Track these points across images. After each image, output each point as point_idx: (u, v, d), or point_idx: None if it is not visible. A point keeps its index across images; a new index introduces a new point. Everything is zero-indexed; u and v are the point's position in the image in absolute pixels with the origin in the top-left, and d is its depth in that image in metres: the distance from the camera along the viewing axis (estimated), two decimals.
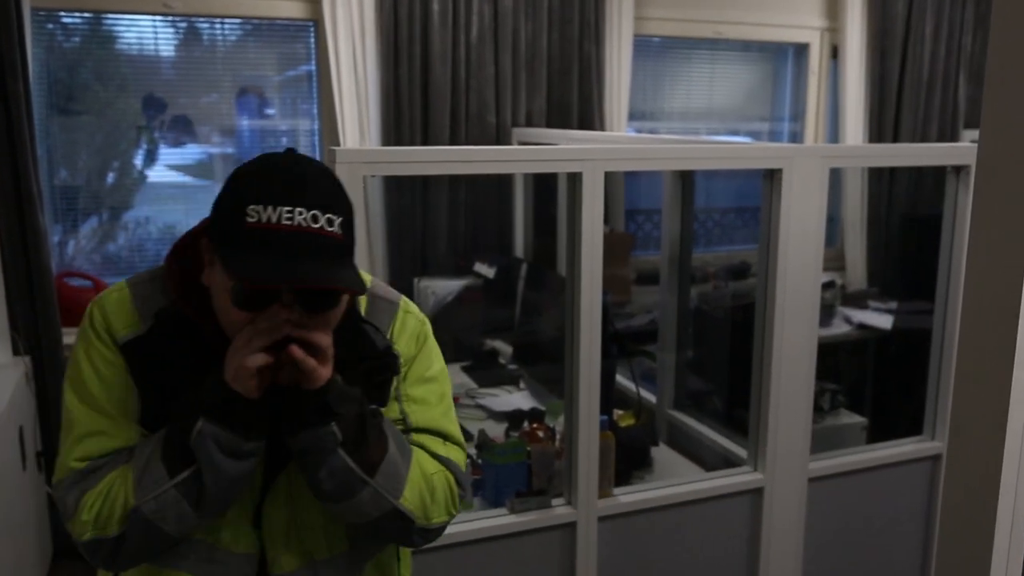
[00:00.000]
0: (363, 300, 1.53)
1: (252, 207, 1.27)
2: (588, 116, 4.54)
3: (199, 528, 1.40)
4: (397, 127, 4.16)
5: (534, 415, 3.02)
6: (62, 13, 3.81)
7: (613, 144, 3.76)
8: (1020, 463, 0.76)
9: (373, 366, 1.49)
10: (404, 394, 1.55)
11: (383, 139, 4.15)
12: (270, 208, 1.26)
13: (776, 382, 2.71)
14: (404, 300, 1.61)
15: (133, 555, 1.40)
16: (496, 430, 3.02)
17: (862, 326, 4.54)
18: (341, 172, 2.02)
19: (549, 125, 4.45)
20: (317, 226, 1.28)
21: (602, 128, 4.56)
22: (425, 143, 4.21)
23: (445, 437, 1.57)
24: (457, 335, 3.97)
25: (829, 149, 2.88)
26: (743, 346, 2.88)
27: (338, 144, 4.03)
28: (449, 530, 1.70)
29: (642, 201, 5.03)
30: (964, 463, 0.78)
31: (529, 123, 4.40)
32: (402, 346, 1.55)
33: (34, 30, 3.64)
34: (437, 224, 4.27)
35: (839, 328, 4.51)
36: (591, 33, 4.46)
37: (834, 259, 5.27)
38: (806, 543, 2.89)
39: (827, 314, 4.39)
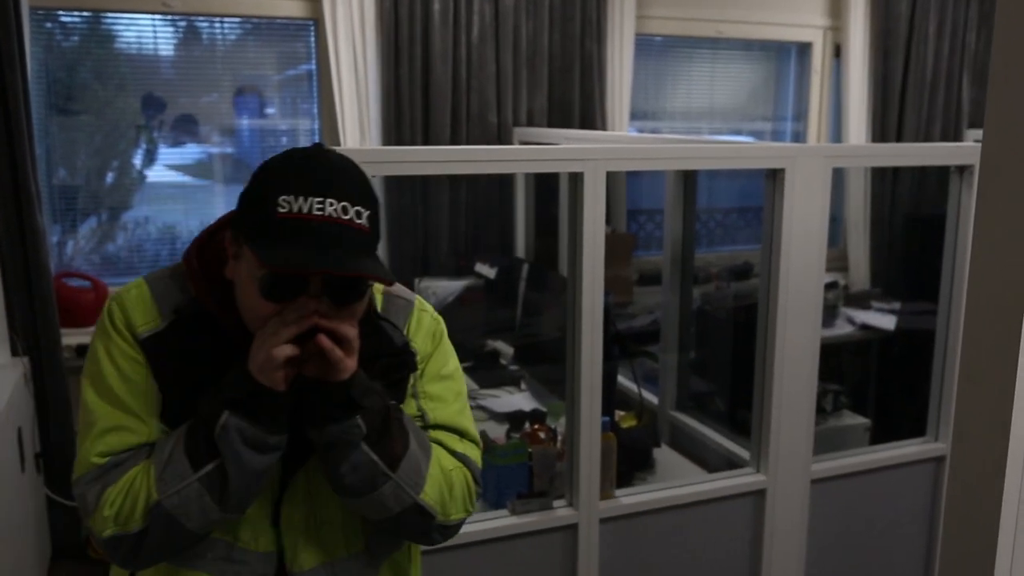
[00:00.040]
0: (379, 298, 1.54)
1: (284, 198, 1.28)
2: (590, 116, 4.53)
3: (220, 524, 1.40)
4: (398, 127, 4.15)
5: (535, 416, 3.01)
6: (61, 12, 3.81)
7: (615, 144, 3.75)
8: None
9: (391, 363, 1.49)
10: (421, 391, 1.56)
11: (384, 139, 4.15)
12: (301, 199, 1.28)
13: (779, 383, 2.70)
14: (419, 299, 1.62)
15: (154, 551, 1.39)
16: (497, 431, 3.01)
17: (865, 327, 4.52)
18: None
19: (550, 125, 4.44)
20: (347, 218, 1.30)
21: (604, 128, 4.56)
22: (426, 143, 4.20)
23: (462, 434, 1.58)
24: (458, 336, 3.94)
25: (832, 149, 2.87)
26: (745, 347, 2.87)
27: (338, 144, 4.02)
28: None
29: (644, 201, 5.02)
30: (968, 465, 0.78)
31: (530, 122, 4.40)
32: (419, 344, 1.56)
33: (33, 29, 3.63)
34: (438, 224, 4.27)
35: (842, 329, 4.50)
36: (592, 32, 4.45)
37: (837, 259, 5.26)
38: (809, 545, 2.88)
39: (830, 315, 4.37)
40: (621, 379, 3.32)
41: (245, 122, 4.19)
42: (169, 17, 3.94)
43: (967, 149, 2.89)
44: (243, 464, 1.33)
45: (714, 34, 4.96)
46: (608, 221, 2.84)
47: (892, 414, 3.98)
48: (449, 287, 4.06)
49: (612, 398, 3.01)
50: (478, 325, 4.06)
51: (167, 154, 4.10)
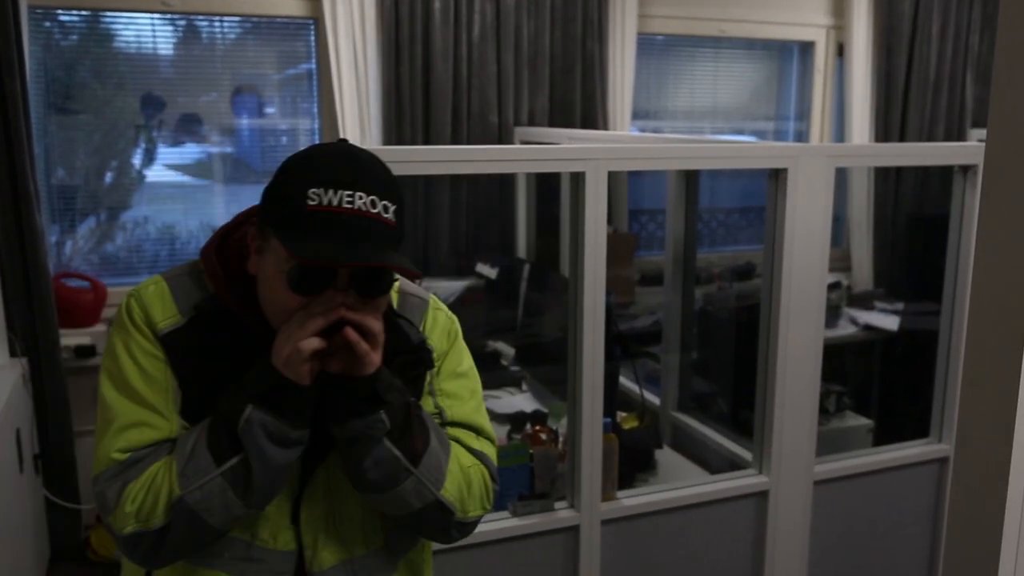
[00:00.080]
0: (395, 296, 1.55)
1: (314, 191, 1.29)
2: (591, 115, 4.52)
3: (241, 520, 1.40)
4: (398, 126, 4.14)
5: (537, 417, 3.01)
6: (59, 11, 3.80)
7: (616, 143, 3.74)
8: None
9: (408, 360, 1.49)
10: (438, 389, 1.56)
11: (384, 138, 4.14)
12: (331, 192, 1.29)
13: (781, 384, 2.69)
14: (433, 298, 1.63)
15: (176, 548, 1.38)
16: (498, 432, 2.99)
17: (868, 327, 4.51)
18: None
19: (552, 124, 4.44)
20: (375, 211, 1.31)
21: (605, 127, 4.55)
22: (426, 142, 4.19)
23: (478, 431, 1.59)
24: None
25: (835, 148, 2.86)
26: (748, 347, 2.86)
27: None
28: None
29: (646, 201, 5.01)
30: (971, 468, 0.78)
31: (531, 122, 4.39)
32: (434, 341, 1.57)
33: (31, 28, 3.63)
34: (439, 224, 4.26)
35: (845, 329, 4.49)
36: (594, 31, 4.44)
37: (840, 259, 5.26)
38: (811, 546, 2.87)
39: (833, 315, 4.37)
40: (623, 380, 3.31)
41: (245, 122, 4.18)
42: (168, 16, 3.93)
43: (971, 149, 2.88)
44: (267, 459, 1.33)
45: (716, 33, 4.95)
46: (610, 221, 2.83)
47: (895, 415, 3.97)
48: (450, 287, 4.05)
49: (614, 399, 3.00)
50: (479, 326, 4.05)
51: (166, 154, 4.09)
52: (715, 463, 3.06)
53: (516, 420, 3.04)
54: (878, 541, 3.03)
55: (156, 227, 4.10)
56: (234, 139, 4.18)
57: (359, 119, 4.06)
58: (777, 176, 2.62)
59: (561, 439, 2.73)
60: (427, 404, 1.54)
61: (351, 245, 1.28)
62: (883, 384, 4.34)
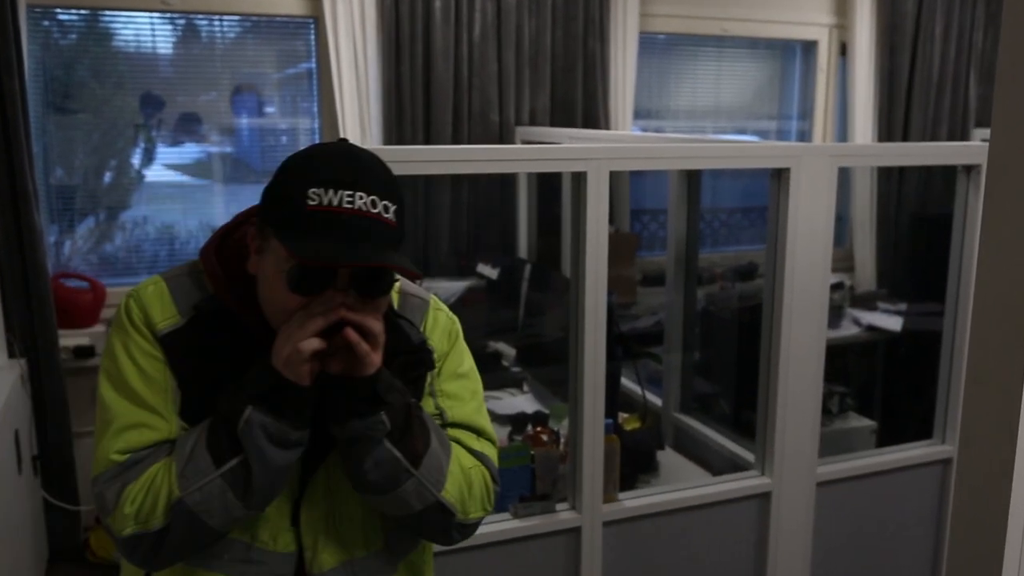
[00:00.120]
0: (395, 297, 1.55)
1: (314, 190, 1.29)
2: (592, 115, 4.52)
3: (241, 522, 1.39)
4: (399, 125, 4.14)
5: (538, 418, 3.01)
6: (58, 10, 3.79)
7: (618, 143, 3.74)
8: None
9: (408, 360, 1.49)
10: (439, 390, 1.56)
11: (384, 138, 4.14)
12: (331, 191, 1.28)
13: (784, 385, 2.69)
14: (434, 298, 1.63)
15: (175, 549, 1.38)
16: (499, 433, 2.99)
17: (871, 328, 4.51)
18: None
19: (553, 124, 4.43)
20: (376, 211, 1.31)
21: (607, 127, 4.55)
22: (427, 142, 4.19)
23: (479, 432, 1.59)
24: None
25: (838, 148, 2.86)
26: (750, 348, 2.86)
27: None
28: None
29: (647, 201, 5.01)
30: (975, 469, 0.77)
31: (533, 122, 4.38)
32: (435, 342, 1.56)
33: (30, 27, 3.63)
34: (439, 224, 4.25)
35: (848, 330, 4.48)
36: (595, 30, 4.43)
37: (843, 260, 5.25)
38: (814, 548, 2.86)
39: (835, 315, 4.36)
40: (624, 381, 3.31)
41: (244, 121, 4.17)
42: (168, 15, 3.93)
43: (974, 148, 2.87)
44: (266, 460, 1.32)
45: (719, 32, 4.94)
46: (611, 221, 2.82)
47: (898, 416, 3.96)
48: (451, 288, 4.04)
49: (615, 400, 3.00)
50: (480, 326, 4.05)
51: (166, 153, 4.08)
52: (717, 464, 3.05)
53: (517, 421, 3.04)
54: (881, 543, 3.02)
55: (155, 227, 4.10)
56: (234, 139, 4.17)
57: (359, 118, 4.06)
58: (779, 176, 2.61)
59: (562, 440, 2.72)
60: (428, 405, 1.53)
61: (351, 245, 1.28)
62: (886, 385, 4.33)
